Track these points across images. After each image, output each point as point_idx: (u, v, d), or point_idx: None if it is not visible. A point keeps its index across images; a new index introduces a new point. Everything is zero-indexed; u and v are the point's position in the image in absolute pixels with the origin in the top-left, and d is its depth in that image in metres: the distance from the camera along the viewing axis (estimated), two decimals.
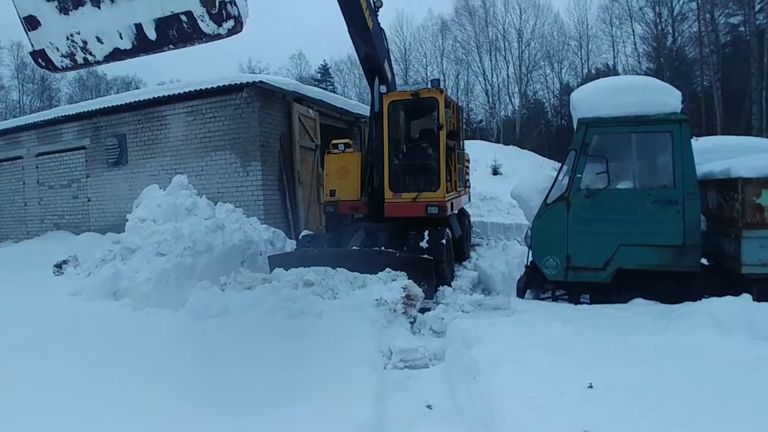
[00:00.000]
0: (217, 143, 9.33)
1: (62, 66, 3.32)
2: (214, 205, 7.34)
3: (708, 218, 5.08)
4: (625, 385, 2.83)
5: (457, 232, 7.84)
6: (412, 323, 5.24)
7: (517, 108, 37.93)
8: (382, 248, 6.52)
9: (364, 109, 11.94)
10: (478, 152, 19.83)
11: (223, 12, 2.74)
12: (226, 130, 9.22)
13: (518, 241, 9.44)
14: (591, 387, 2.82)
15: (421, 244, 6.62)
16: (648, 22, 32.18)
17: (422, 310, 5.52)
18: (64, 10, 3.12)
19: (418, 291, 5.51)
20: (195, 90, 9.29)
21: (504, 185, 11.39)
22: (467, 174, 9.99)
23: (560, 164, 5.43)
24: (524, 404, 2.72)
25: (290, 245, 7.99)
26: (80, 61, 3.24)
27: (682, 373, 2.96)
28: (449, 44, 40.17)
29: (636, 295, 4.74)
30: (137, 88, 32.90)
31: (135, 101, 10.11)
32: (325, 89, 21.98)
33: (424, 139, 7.86)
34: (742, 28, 26.11)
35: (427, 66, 40.89)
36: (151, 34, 2.96)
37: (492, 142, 29.14)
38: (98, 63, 3.28)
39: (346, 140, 8.41)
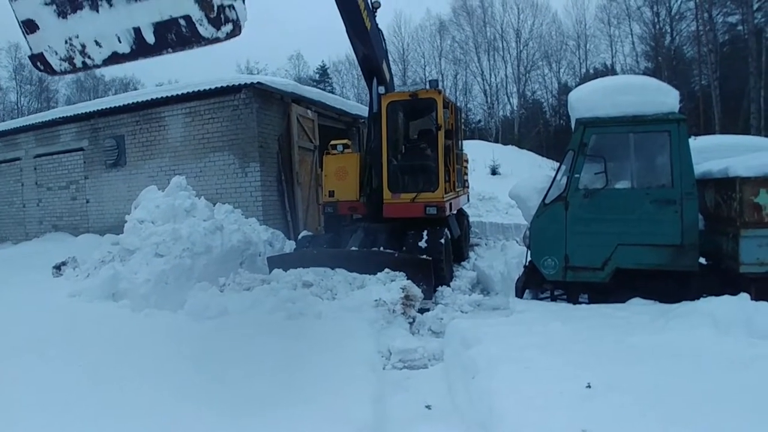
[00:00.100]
0: (215, 144, 9.33)
1: (61, 69, 3.32)
2: (213, 206, 7.35)
3: (706, 217, 5.09)
4: (624, 385, 2.83)
5: (455, 233, 7.84)
6: (411, 324, 5.24)
7: (515, 108, 38.01)
8: (381, 249, 6.52)
9: (363, 110, 11.94)
10: (477, 152, 19.85)
11: (222, 16, 2.75)
12: (225, 131, 9.22)
13: (517, 241, 9.45)
14: (589, 387, 2.82)
15: (419, 244, 6.62)
16: (646, 22, 32.26)
17: (421, 311, 5.52)
18: (62, 14, 3.12)
19: (416, 291, 5.52)
20: (193, 91, 9.29)
21: (503, 185, 11.40)
22: (466, 174, 9.99)
23: (558, 164, 5.44)
24: (523, 404, 2.72)
25: (289, 246, 7.99)
26: (79, 64, 3.24)
27: (681, 372, 2.97)
28: (447, 44, 40.27)
29: (634, 294, 4.75)
30: (135, 89, 32.88)
31: (133, 102, 10.10)
32: (324, 90, 21.96)
33: (422, 140, 7.87)
34: (740, 27, 26.16)
35: (425, 66, 40.96)
36: (150, 38, 2.97)
37: (490, 142, 29.15)
38: (97, 66, 3.29)
39: (345, 141, 8.41)
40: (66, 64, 3.27)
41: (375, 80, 7.31)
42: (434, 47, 40.76)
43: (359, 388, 3.38)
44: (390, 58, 8.28)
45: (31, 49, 3.34)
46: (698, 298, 4.13)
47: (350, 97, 37.26)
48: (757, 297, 4.02)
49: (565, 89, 32.57)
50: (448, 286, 6.63)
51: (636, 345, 3.46)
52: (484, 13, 38.59)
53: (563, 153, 5.26)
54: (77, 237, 10.64)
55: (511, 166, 21.44)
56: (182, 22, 2.82)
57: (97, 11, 3.02)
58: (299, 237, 7.99)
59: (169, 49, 2.99)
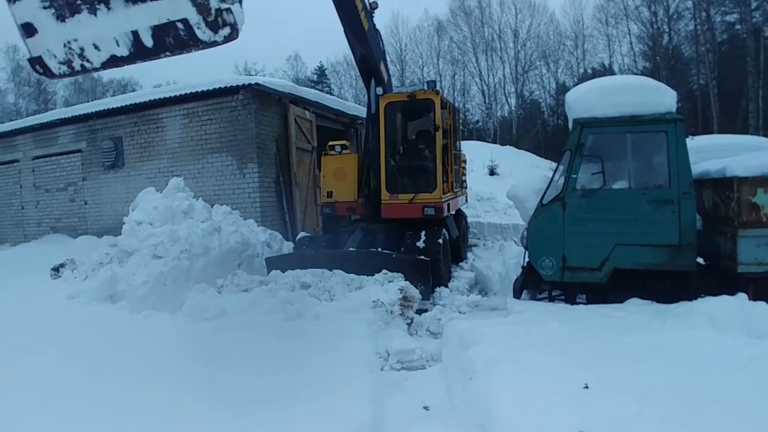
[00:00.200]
0: (213, 145, 9.32)
1: (59, 73, 3.33)
2: (211, 207, 7.34)
3: (704, 217, 5.09)
4: (621, 385, 2.84)
5: (454, 233, 7.85)
6: (409, 324, 5.24)
7: (513, 108, 38.07)
8: (379, 249, 6.52)
9: (361, 111, 11.95)
10: (475, 153, 19.86)
11: (219, 19, 2.75)
12: (223, 132, 9.22)
13: (515, 242, 9.45)
14: (587, 387, 2.82)
15: (417, 245, 6.62)
16: (644, 21, 32.34)
17: (419, 312, 5.52)
18: (61, 17, 3.13)
19: (414, 292, 5.52)
20: (191, 92, 9.28)
21: (501, 185, 11.40)
22: (464, 175, 9.99)
23: (556, 164, 5.44)
24: (520, 404, 2.73)
25: (287, 247, 7.98)
26: (77, 67, 3.25)
27: (678, 372, 2.97)
28: (445, 45, 40.33)
29: (632, 294, 4.75)
30: (133, 90, 32.79)
31: (131, 104, 10.09)
32: (322, 91, 21.98)
33: (420, 141, 7.87)
34: (738, 27, 26.22)
35: (423, 67, 41.00)
36: (148, 42, 2.97)
37: (489, 142, 29.20)
38: (95, 69, 3.30)
39: (343, 142, 8.41)
40: (65, 68, 3.28)
41: (373, 81, 7.31)
42: (432, 48, 40.85)
43: (357, 389, 3.39)
44: (388, 59, 8.28)
45: (30, 52, 3.35)
46: (696, 298, 4.13)
47: (348, 97, 37.27)
48: (754, 297, 4.02)
49: (563, 89, 32.57)
50: (446, 286, 6.63)
51: (633, 345, 3.46)
52: (482, 13, 38.70)
53: (561, 153, 5.27)
54: (75, 239, 10.64)
55: (509, 166, 21.47)
56: (180, 25, 2.83)
57: (96, 15, 3.03)
58: (297, 238, 7.99)
59: (167, 53, 3.00)
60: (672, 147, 4.77)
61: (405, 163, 7.61)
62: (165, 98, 9.68)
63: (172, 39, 2.90)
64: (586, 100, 5.16)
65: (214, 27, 2.77)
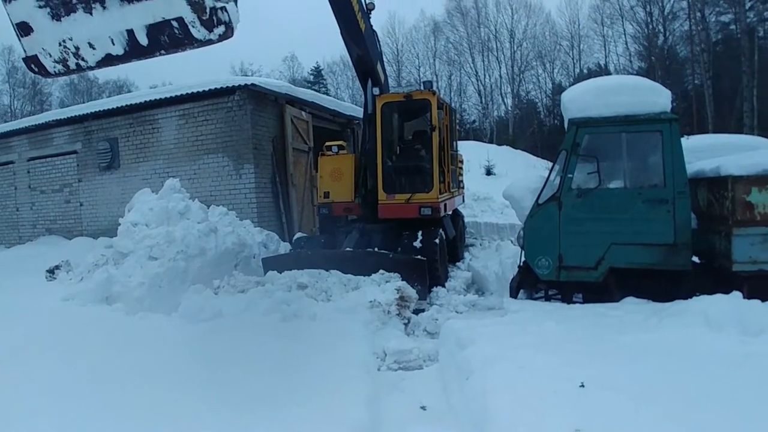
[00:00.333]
0: (209, 146, 9.30)
1: (55, 72, 3.33)
2: (207, 208, 7.32)
3: (699, 216, 5.12)
4: (617, 384, 2.84)
5: (450, 233, 7.85)
6: (406, 324, 5.24)
7: (509, 108, 38.12)
8: (376, 250, 6.52)
9: (357, 111, 11.92)
10: (472, 153, 19.86)
11: (214, 18, 2.75)
12: (219, 133, 9.20)
13: (512, 241, 9.46)
14: (583, 386, 2.83)
15: (414, 245, 6.63)
16: (639, 22, 32.47)
17: (416, 311, 5.52)
18: (56, 16, 3.13)
19: (411, 292, 5.52)
20: (187, 93, 9.26)
21: (497, 185, 11.41)
22: (461, 175, 10.01)
23: (552, 164, 5.46)
24: (517, 404, 2.73)
25: (284, 248, 7.97)
26: (72, 66, 3.25)
27: (674, 370, 2.99)
28: (441, 45, 40.34)
29: (628, 293, 4.77)
30: (129, 91, 32.67)
31: (127, 105, 10.05)
32: (318, 91, 21.96)
33: (417, 141, 7.88)
34: (732, 27, 26.33)
35: (419, 67, 41.02)
36: (143, 40, 2.97)
37: (485, 142, 29.20)
38: (90, 68, 3.30)
39: (340, 142, 8.41)
40: (60, 66, 3.28)
41: (370, 81, 7.32)
42: (428, 48, 40.87)
43: (354, 390, 3.38)
44: (384, 59, 8.29)
45: (25, 51, 3.34)
46: (691, 297, 4.15)
47: (345, 98, 37.23)
48: (749, 295, 4.03)
49: (559, 89, 32.67)
50: (443, 286, 6.64)
51: (629, 344, 3.47)
52: (478, 13, 38.74)
53: (557, 153, 5.29)
54: (71, 240, 10.59)
55: (505, 166, 21.49)
56: (175, 24, 2.83)
57: (91, 14, 3.03)
58: (294, 238, 7.98)
59: (162, 51, 3.00)
60: (667, 146, 4.79)
61: (402, 163, 7.62)
62: (161, 99, 9.65)
63: (167, 38, 2.90)
64: (582, 100, 5.18)
65: (209, 25, 2.77)
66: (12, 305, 5.64)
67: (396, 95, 7.41)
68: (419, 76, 39.57)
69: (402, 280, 5.75)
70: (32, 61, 3.34)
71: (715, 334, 3.49)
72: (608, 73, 30.35)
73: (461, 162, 10.26)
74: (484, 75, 38.61)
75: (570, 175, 5.04)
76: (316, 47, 55.58)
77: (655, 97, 4.99)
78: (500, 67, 38.29)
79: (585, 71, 34.34)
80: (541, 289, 5.53)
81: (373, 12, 7.16)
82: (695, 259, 5.11)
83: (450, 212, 8.25)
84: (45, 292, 6.34)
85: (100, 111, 10.53)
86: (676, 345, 3.36)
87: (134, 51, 3.04)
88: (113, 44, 3.05)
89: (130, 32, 2.98)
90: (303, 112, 10.43)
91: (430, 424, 3.18)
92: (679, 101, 25.86)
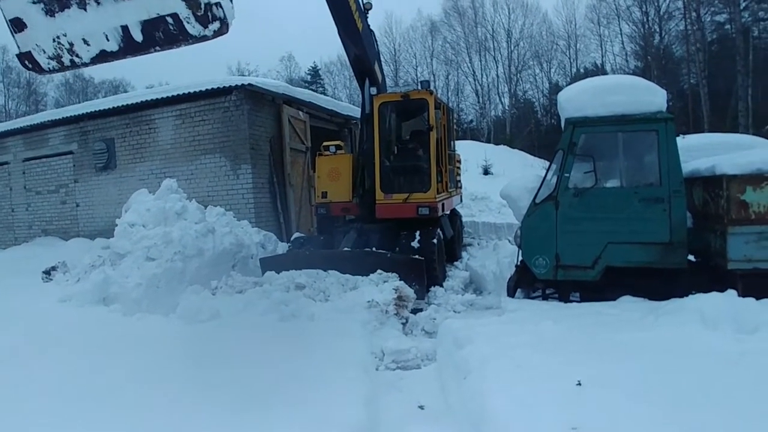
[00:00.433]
0: (206, 146, 9.29)
1: (49, 68, 3.31)
2: (204, 208, 7.31)
3: (694, 215, 5.15)
4: (614, 382, 2.86)
5: (448, 233, 7.87)
6: (403, 324, 5.25)
7: (507, 108, 38.15)
8: (374, 249, 6.53)
9: (355, 111, 11.95)
10: (469, 152, 19.88)
11: (209, 14, 2.75)
12: (216, 133, 9.18)
13: (509, 241, 9.49)
14: (579, 384, 2.85)
15: (412, 244, 6.63)
16: (635, 21, 32.52)
17: (414, 311, 5.53)
18: (50, 12, 3.11)
19: (409, 292, 5.53)
20: (184, 93, 9.24)
21: (495, 185, 11.42)
22: (458, 174, 10.02)
23: (549, 163, 5.48)
24: (514, 403, 2.74)
25: (282, 248, 7.97)
26: (67, 63, 3.24)
27: (669, 368, 3.01)
28: (439, 45, 40.31)
29: (624, 292, 4.79)
30: (125, 91, 32.59)
31: (123, 105, 10.02)
32: (315, 91, 21.94)
33: (414, 141, 7.89)
34: (728, 26, 26.45)
35: (417, 67, 40.99)
36: (138, 36, 2.96)
37: (482, 142, 29.21)
38: (85, 65, 3.28)
39: (338, 142, 8.41)
40: (54, 63, 3.26)
41: (367, 81, 7.32)
42: (426, 48, 40.85)
43: (352, 389, 3.39)
44: (382, 59, 8.29)
45: (19, 47, 3.32)
46: (687, 295, 4.18)
47: (342, 98, 37.20)
48: (744, 293, 4.06)
49: (556, 89, 32.69)
50: (441, 286, 6.65)
51: (626, 342, 3.50)
52: (475, 13, 38.72)
53: (553, 152, 5.30)
54: (67, 241, 10.55)
55: (503, 165, 21.50)
56: (170, 20, 2.82)
57: (85, 9, 3.02)
58: (292, 238, 7.97)
59: (157, 47, 2.99)
60: (663, 146, 4.82)
61: (399, 163, 7.63)
62: (157, 99, 9.63)
63: (162, 34, 2.89)
64: (578, 99, 5.20)
65: (203, 21, 2.77)
66: (8, 307, 5.62)
67: (393, 95, 7.42)
68: (416, 75, 39.57)
69: (400, 279, 5.76)
70: (26, 58, 3.32)
71: (710, 332, 3.52)
72: (605, 73, 30.44)
73: (459, 162, 10.27)
74: (482, 74, 38.66)
75: (567, 175, 5.06)
76: (313, 47, 55.63)
77: (651, 97, 5.01)
78: (497, 67, 38.33)
79: (582, 71, 34.42)
80: (538, 288, 5.55)
81: (370, 12, 7.17)
82: (691, 257, 5.14)
83: (448, 212, 8.26)
84: (41, 293, 6.32)
85: (96, 111, 10.50)
86: (672, 343, 3.39)
87: (129, 47, 3.02)
88: (107, 40, 3.04)
89: (125, 28, 2.97)
90: (300, 112, 10.42)
91: (428, 423, 3.19)
92: (674, 100, 25.97)
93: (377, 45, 7.78)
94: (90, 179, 10.74)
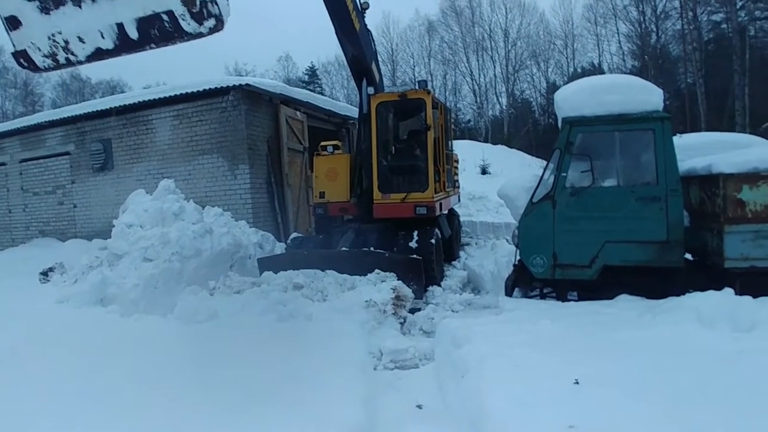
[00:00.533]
0: (204, 147, 9.27)
1: (44, 66, 3.30)
2: (202, 209, 7.30)
3: (691, 214, 5.17)
4: (611, 381, 2.87)
5: (446, 232, 7.87)
6: (402, 324, 5.25)
7: (504, 107, 38.20)
8: (372, 249, 6.53)
9: (353, 111, 11.94)
10: (467, 152, 19.92)
11: (204, 11, 2.74)
12: (213, 133, 9.17)
13: (507, 240, 9.51)
14: (577, 383, 2.85)
15: (410, 244, 6.63)
16: (632, 21, 32.62)
17: (412, 311, 5.54)
18: (45, 9, 3.09)
19: (407, 291, 5.53)
20: (181, 93, 9.22)
21: (493, 184, 11.45)
22: (456, 174, 10.03)
23: (546, 163, 5.49)
24: (512, 402, 2.75)
25: (280, 248, 7.96)
26: (62, 61, 3.22)
27: (667, 367, 3.02)
28: (436, 45, 40.36)
29: (622, 291, 4.80)
30: (122, 92, 32.41)
31: (120, 105, 9.99)
32: (313, 91, 21.91)
33: (412, 140, 7.89)
34: (724, 26, 26.51)
35: (414, 66, 41.03)
36: (133, 34, 2.95)
37: (480, 141, 29.26)
38: (80, 63, 3.26)
39: (335, 142, 8.40)
40: (49, 61, 3.24)
41: (364, 81, 7.31)
42: (423, 47, 40.89)
43: (350, 389, 3.39)
44: (379, 59, 8.29)
45: (14, 46, 3.31)
46: (684, 294, 4.19)
47: (340, 98, 37.19)
48: (741, 292, 4.07)
49: (553, 88, 32.68)
50: (439, 285, 6.65)
51: (623, 341, 3.51)
52: (473, 13, 38.77)
53: (551, 152, 5.31)
54: (64, 242, 10.52)
55: (500, 165, 21.53)
56: (165, 17, 2.82)
57: (80, 7, 3.00)
58: (290, 239, 7.97)
59: (153, 45, 2.98)
60: (659, 145, 4.83)
61: (397, 162, 7.63)
62: (154, 99, 9.60)
63: (157, 31, 2.88)
64: (575, 99, 5.21)
65: (198, 18, 2.76)
66: (6, 308, 5.61)
67: (391, 95, 7.41)
68: (414, 75, 39.63)
69: (398, 279, 5.76)
70: (21, 56, 3.30)
71: (707, 330, 3.53)
72: (602, 72, 30.54)
73: (456, 161, 10.28)
74: (479, 74, 38.71)
75: (564, 174, 5.07)
76: (310, 47, 55.53)
77: (648, 96, 5.03)
78: (495, 67, 38.40)
79: (579, 70, 34.51)
80: (536, 288, 5.56)
81: (367, 11, 7.15)
82: (688, 256, 5.16)
83: (445, 211, 8.27)
84: (39, 294, 6.31)
85: (93, 112, 10.46)
86: (669, 342, 3.40)
87: (124, 45, 3.01)
88: (103, 38, 3.02)
89: (120, 26, 2.95)
90: (298, 112, 10.41)
91: (426, 423, 3.19)
92: (671, 100, 26.03)
93: (374, 45, 7.77)
94: (87, 180, 10.71)
